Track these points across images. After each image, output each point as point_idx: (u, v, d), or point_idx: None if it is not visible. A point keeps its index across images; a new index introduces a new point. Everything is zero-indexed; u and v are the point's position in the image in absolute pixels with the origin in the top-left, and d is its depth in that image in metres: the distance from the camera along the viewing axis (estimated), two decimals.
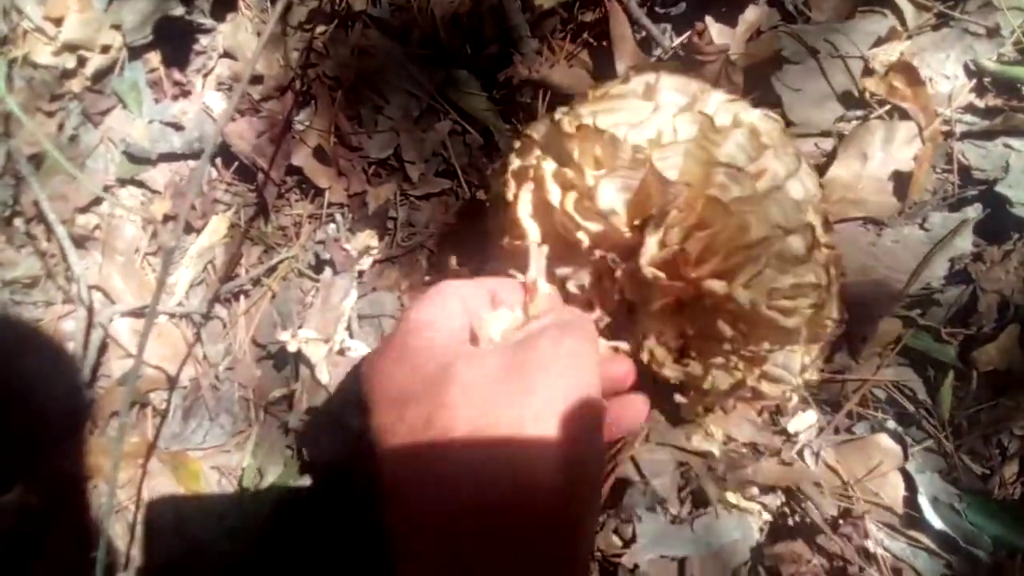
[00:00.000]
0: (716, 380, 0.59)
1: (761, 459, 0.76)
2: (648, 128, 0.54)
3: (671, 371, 0.59)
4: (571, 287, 0.60)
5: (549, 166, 0.57)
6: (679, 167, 0.52)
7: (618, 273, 0.55)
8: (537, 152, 0.59)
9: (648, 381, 0.60)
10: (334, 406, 0.89)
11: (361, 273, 0.95)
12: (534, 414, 0.42)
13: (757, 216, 0.51)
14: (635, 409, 0.54)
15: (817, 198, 0.57)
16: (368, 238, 0.94)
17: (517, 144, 0.65)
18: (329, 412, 0.89)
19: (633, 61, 0.89)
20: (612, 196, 0.53)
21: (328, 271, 0.95)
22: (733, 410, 0.64)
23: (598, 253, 0.57)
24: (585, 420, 0.44)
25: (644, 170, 0.52)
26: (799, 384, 0.63)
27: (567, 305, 0.55)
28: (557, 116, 0.58)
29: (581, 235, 0.56)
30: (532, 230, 0.59)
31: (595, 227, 0.55)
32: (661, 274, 0.53)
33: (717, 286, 0.52)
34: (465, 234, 0.94)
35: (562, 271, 0.59)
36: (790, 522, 0.80)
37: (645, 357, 0.59)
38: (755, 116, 0.58)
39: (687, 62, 0.85)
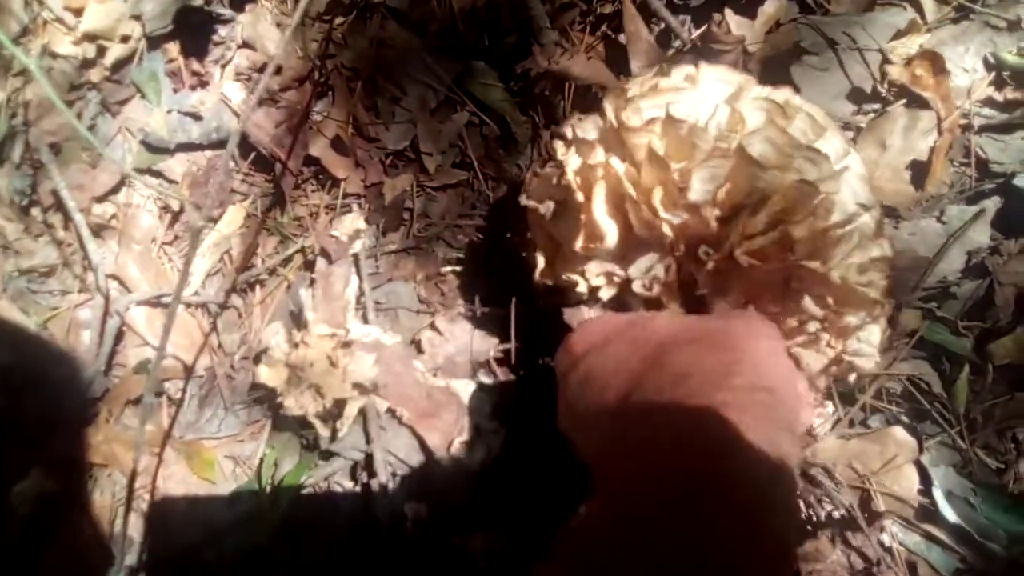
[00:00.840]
0: (808, 362, 0.60)
1: None
2: (717, 116, 0.54)
3: None
4: (638, 285, 0.60)
5: (618, 163, 0.57)
6: (762, 153, 0.52)
7: (710, 265, 0.56)
8: (600, 149, 0.59)
9: None
10: None
11: (356, 257, 0.93)
12: None
13: (840, 196, 0.53)
14: None
15: (866, 177, 0.58)
16: (355, 221, 0.93)
17: (560, 144, 0.64)
18: None
19: (647, 55, 0.89)
20: (700, 187, 0.54)
21: (322, 262, 0.93)
22: (825, 388, 0.65)
23: (682, 246, 0.57)
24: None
25: (730, 159, 0.52)
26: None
27: None
28: (609, 112, 0.58)
29: (666, 229, 0.56)
30: (611, 230, 0.59)
31: (678, 220, 0.56)
32: (756, 261, 0.53)
33: (815, 266, 0.53)
34: (481, 225, 0.94)
35: (634, 268, 0.60)
36: (811, 519, 0.80)
37: None
38: (802, 102, 0.58)
39: (704, 52, 0.85)
